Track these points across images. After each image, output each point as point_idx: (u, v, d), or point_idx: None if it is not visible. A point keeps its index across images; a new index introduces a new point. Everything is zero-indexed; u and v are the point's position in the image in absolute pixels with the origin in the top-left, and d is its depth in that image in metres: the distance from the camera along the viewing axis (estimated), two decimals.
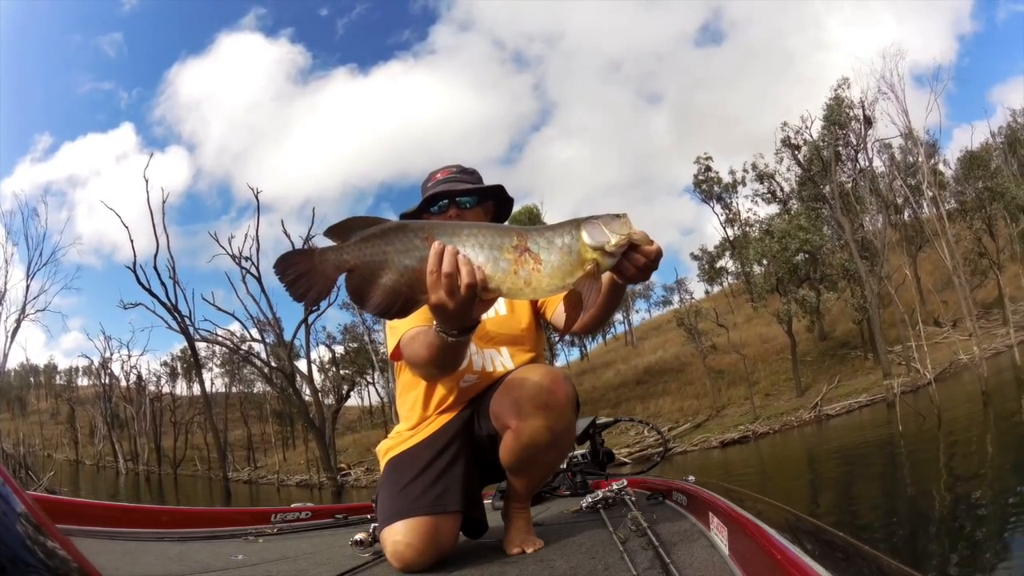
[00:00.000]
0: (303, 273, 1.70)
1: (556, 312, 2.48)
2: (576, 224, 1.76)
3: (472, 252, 1.71)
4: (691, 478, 3.12)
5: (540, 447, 2.26)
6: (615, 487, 3.17)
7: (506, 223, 2.61)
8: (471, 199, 2.55)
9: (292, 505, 4.12)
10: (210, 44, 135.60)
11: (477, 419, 2.48)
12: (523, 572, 2.09)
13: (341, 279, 1.72)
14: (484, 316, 2.10)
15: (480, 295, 1.72)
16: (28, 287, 38.77)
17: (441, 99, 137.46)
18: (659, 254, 1.80)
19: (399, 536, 2.24)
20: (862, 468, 16.34)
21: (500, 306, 2.58)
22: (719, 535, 1.99)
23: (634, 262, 1.78)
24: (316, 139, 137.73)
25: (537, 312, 2.65)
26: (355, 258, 1.69)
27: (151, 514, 3.32)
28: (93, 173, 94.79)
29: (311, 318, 36.05)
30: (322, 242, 1.74)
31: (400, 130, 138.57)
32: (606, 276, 1.85)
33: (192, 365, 44.68)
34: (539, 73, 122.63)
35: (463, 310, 1.75)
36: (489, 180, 2.70)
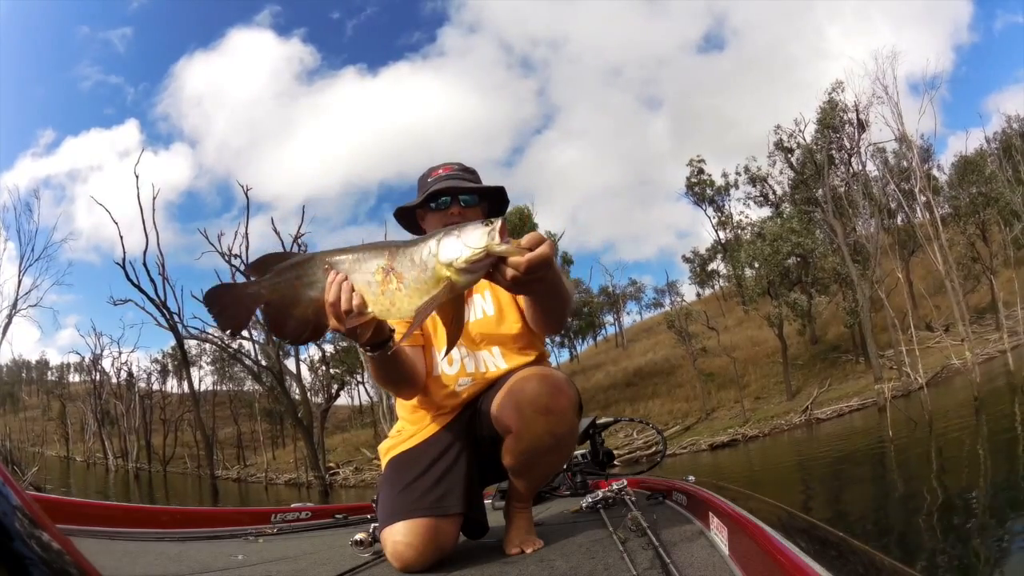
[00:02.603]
0: (226, 306, 1.89)
1: (524, 306, 2.46)
2: (437, 237, 1.76)
3: (356, 277, 1.81)
4: (691, 478, 3.14)
5: (542, 451, 2.27)
6: (615, 487, 3.20)
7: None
8: (473, 198, 2.55)
9: (292, 505, 4.14)
10: (220, 39, 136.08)
11: (478, 419, 2.45)
12: (523, 572, 2.08)
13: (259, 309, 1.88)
14: (472, 317, 2.36)
15: (353, 319, 1.81)
16: (20, 282, 38.59)
17: (445, 100, 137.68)
18: (528, 266, 1.70)
19: (399, 536, 2.22)
20: (852, 472, 16.36)
21: (487, 306, 2.56)
22: (719, 535, 2.00)
23: (503, 274, 1.73)
24: (319, 138, 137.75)
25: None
26: (269, 292, 1.84)
27: (151, 514, 3.35)
28: (95, 168, 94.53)
29: None
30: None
31: (403, 131, 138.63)
32: None
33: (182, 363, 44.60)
34: (543, 77, 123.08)
35: (355, 333, 1.89)
36: (489, 182, 2.71)
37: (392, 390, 2.52)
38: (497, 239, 1.69)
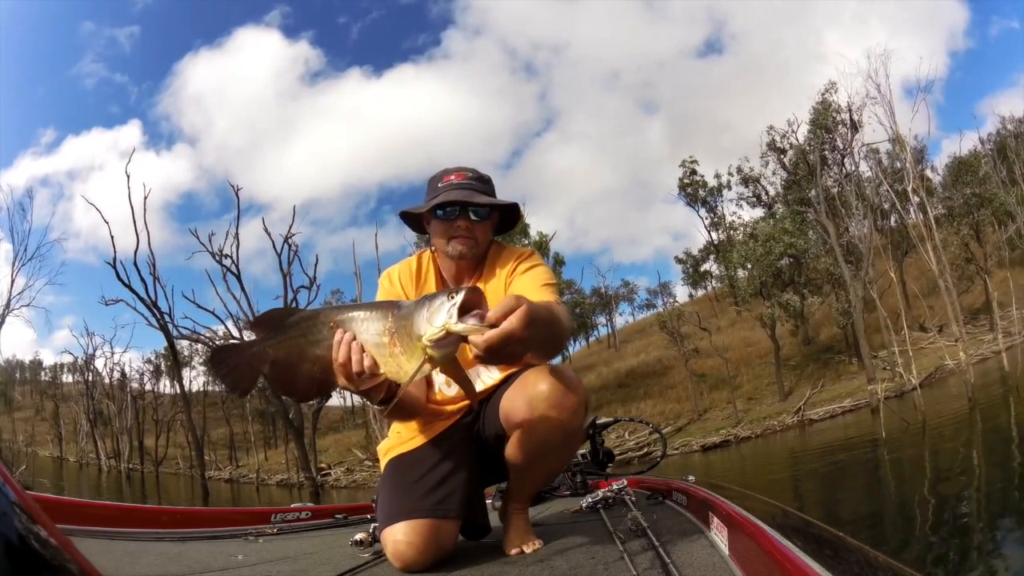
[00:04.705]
0: (233, 367, 1.87)
1: None
2: (417, 307, 1.74)
3: (363, 337, 1.79)
4: (691, 478, 3.17)
5: (550, 446, 2.24)
6: (615, 487, 3.23)
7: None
8: (483, 211, 2.47)
9: (292, 505, 4.18)
10: (226, 37, 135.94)
11: (483, 419, 2.43)
12: (523, 572, 2.07)
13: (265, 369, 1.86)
14: None
15: (367, 381, 1.81)
16: (13, 281, 38.56)
17: (447, 103, 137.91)
18: (492, 347, 1.62)
19: (400, 535, 2.20)
20: (844, 473, 16.40)
21: (496, 371, 2.50)
22: (719, 535, 2.01)
23: (473, 349, 1.68)
24: (321, 140, 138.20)
25: None
26: (274, 351, 1.83)
27: (151, 514, 3.39)
28: (96, 168, 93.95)
29: None
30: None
31: (404, 133, 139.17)
32: None
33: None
34: (544, 81, 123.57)
35: (364, 392, 1.88)
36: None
37: (397, 422, 2.53)
38: (454, 317, 1.63)
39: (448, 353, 1.72)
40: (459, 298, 1.64)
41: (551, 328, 1.97)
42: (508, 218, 2.63)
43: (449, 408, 2.46)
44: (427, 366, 1.72)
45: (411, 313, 1.72)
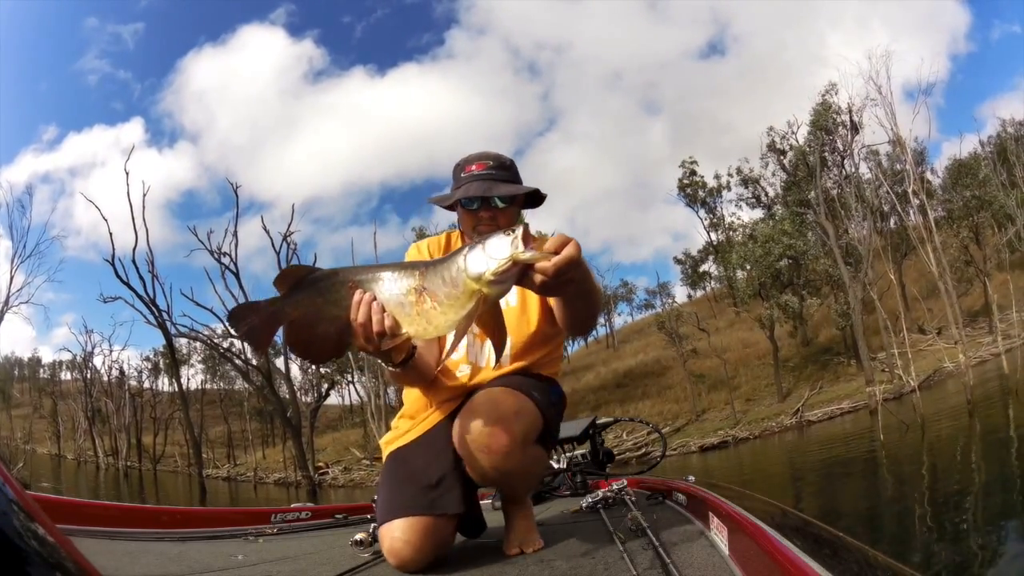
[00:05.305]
0: (253, 325, 1.85)
1: (553, 307, 2.39)
2: (463, 253, 1.75)
3: (384, 297, 1.79)
4: (691, 478, 3.17)
5: (495, 482, 2.30)
6: (615, 487, 3.22)
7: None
8: (506, 199, 2.46)
9: (292, 505, 4.16)
10: (230, 34, 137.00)
11: None
12: (523, 572, 2.07)
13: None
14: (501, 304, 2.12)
15: (388, 342, 1.80)
16: (12, 278, 38.61)
17: (450, 102, 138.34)
18: (557, 271, 1.67)
19: (397, 532, 2.19)
20: (843, 474, 16.37)
21: (511, 297, 2.48)
22: (719, 535, 2.01)
23: (532, 280, 1.71)
24: (323, 138, 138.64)
25: (550, 310, 2.50)
26: (293, 310, 1.82)
27: (151, 514, 3.36)
28: (98, 165, 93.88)
29: None
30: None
31: (406, 131, 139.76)
32: None
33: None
34: (547, 81, 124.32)
35: (383, 354, 1.91)
36: None
37: (407, 387, 2.51)
38: (521, 247, 1.67)
39: (504, 289, 1.73)
40: (520, 230, 1.69)
41: (592, 279, 2.07)
42: (534, 197, 2.60)
43: (448, 388, 2.44)
44: (476, 306, 1.72)
45: (454, 261, 1.74)
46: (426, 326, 1.77)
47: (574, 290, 1.81)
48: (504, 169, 2.51)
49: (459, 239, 2.62)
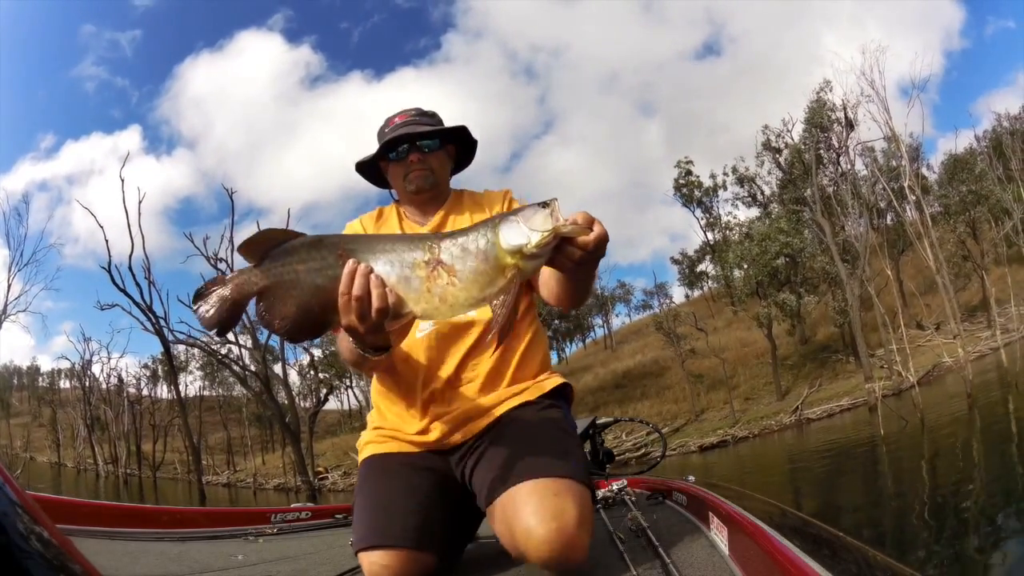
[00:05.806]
0: (216, 301, 1.57)
1: (541, 279, 2.14)
2: (493, 224, 1.59)
3: (385, 270, 1.57)
4: (691, 478, 3.17)
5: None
6: (615, 487, 3.23)
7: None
8: (433, 142, 2.36)
9: (292, 505, 4.20)
10: (227, 40, 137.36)
11: (465, 476, 2.18)
12: (523, 572, 2.08)
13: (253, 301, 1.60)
14: None
15: (390, 321, 1.59)
16: (9, 287, 38.63)
17: (447, 106, 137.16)
18: (596, 244, 1.57)
19: (376, 558, 1.99)
20: (843, 472, 16.41)
21: None
22: (719, 535, 2.01)
23: (568, 256, 1.59)
24: (321, 144, 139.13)
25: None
26: (265, 279, 1.56)
27: (151, 514, 3.40)
28: (96, 173, 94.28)
29: None
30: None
31: None
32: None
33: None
34: (544, 84, 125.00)
35: (374, 334, 1.63)
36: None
37: (371, 374, 2.35)
38: (561, 219, 1.55)
39: (538, 265, 1.60)
40: (556, 202, 1.57)
41: None
42: (462, 145, 2.51)
43: (411, 351, 2.22)
44: (511, 282, 1.56)
45: (479, 232, 1.58)
46: (438, 304, 1.56)
47: (595, 268, 1.75)
48: (427, 116, 2.44)
49: (392, 212, 2.47)
